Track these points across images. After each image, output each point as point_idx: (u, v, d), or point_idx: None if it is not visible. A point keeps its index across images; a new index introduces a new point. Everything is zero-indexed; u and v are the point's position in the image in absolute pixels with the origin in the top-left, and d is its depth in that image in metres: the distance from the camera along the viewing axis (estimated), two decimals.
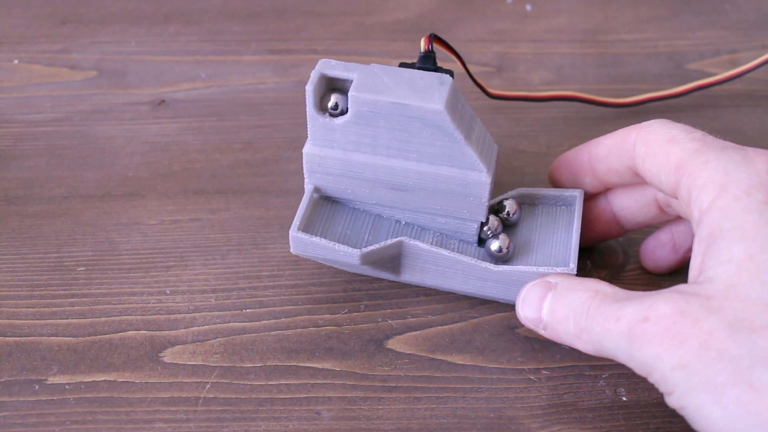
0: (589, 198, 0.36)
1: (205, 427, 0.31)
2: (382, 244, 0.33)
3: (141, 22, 0.51)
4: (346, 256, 0.33)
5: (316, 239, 0.33)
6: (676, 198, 0.30)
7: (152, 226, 0.39)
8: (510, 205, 0.35)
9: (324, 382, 0.33)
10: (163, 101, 0.45)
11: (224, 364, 0.33)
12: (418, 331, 0.34)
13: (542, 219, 0.35)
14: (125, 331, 0.34)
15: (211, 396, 0.32)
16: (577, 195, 0.35)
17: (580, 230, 0.34)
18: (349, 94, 0.31)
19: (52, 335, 0.34)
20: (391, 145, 0.32)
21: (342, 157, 0.33)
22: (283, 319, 0.35)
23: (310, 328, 0.35)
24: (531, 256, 0.34)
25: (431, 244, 0.34)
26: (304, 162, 0.34)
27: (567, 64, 0.48)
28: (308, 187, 0.34)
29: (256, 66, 0.48)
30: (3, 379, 0.32)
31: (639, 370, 0.27)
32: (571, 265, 0.32)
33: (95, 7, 0.52)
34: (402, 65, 0.35)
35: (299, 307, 0.35)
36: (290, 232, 0.33)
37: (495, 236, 0.34)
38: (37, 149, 0.42)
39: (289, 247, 0.33)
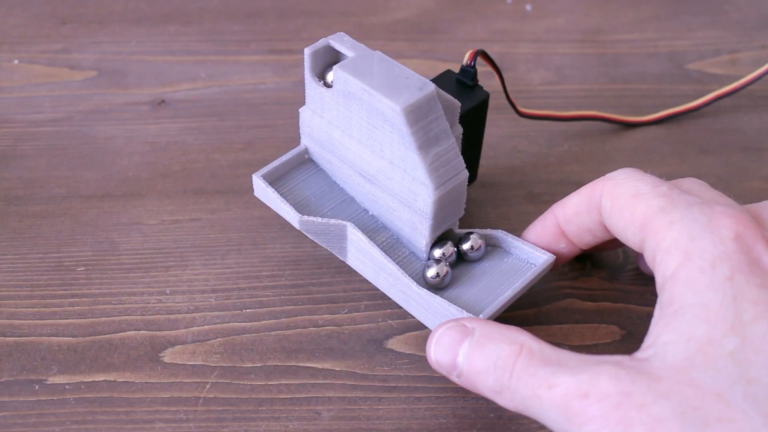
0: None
1: (205, 427, 0.31)
2: (325, 220, 0.33)
3: (141, 22, 0.51)
4: (288, 216, 0.34)
5: (269, 189, 0.34)
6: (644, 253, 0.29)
7: (152, 226, 0.39)
8: (474, 240, 0.33)
9: (324, 382, 0.33)
10: (163, 101, 0.45)
11: (224, 364, 0.33)
12: (418, 331, 0.34)
13: (505, 268, 0.34)
14: (125, 331, 0.34)
15: (211, 396, 0.32)
16: (545, 260, 0.33)
17: (518, 292, 0.32)
18: (334, 67, 0.32)
19: (52, 335, 0.34)
20: (362, 132, 0.32)
21: (326, 129, 0.34)
22: (283, 319, 0.35)
23: (310, 328, 0.35)
24: (463, 294, 0.33)
25: (382, 243, 0.34)
26: (299, 121, 0.35)
27: (567, 64, 0.49)
28: (302, 145, 0.36)
29: (256, 66, 0.48)
30: (3, 379, 0.32)
31: None
32: (480, 315, 0.31)
33: (95, 7, 0.52)
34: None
35: (299, 307, 0.35)
36: (253, 174, 0.34)
37: (437, 262, 0.33)
38: (37, 149, 0.42)
39: (287, 245, 0.33)
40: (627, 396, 0.24)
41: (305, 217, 0.33)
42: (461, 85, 0.36)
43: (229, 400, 0.32)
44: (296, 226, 0.34)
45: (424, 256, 0.34)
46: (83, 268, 0.37)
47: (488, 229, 0.34)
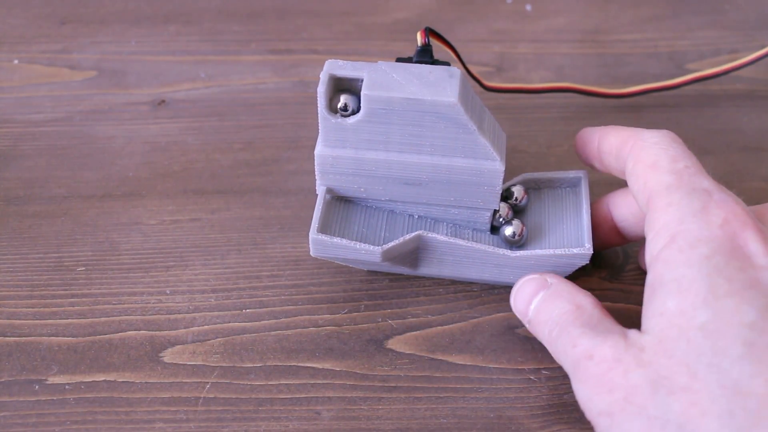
0: (591, 205, 0.35)
1: (205, 427, 0.31)
2: (402, 239, 0.33)
3: (141, 22, 0.51)
4: (368, 254, 0.33)
5: (336, 240, 0.33)
6: None
7: (152, 226, 0.39)
8: (518, 191, 0.36)
9: (324, 382, 0.33)
10: (163, 101, 0.45)
11: (224, 364, 0.33)
12: (418, 331, 0.34)
13: (549, 202, 0.36)
14: (125, 331, 0.34)
15: (211, 396, 0.32)
16: (582, 176, 0.35)
17: (590, 210, 0.34)
18: (362, 93, 0.31)
19: (52, 335, 0.34)
20: (404, 141, 0.32)
21: (355, 156, 0.33)
22: (283, 319, 0.35)
23: (310, 328, 0.35)
24: (544, 239, 0.35)
25: (447, 235, 0.34)
26: (316, 163, 0.34)
27: (567, 64, 0.49)
28: (321, 189, 0.34)
29: (256, 66, 0.48)
30: (3, 379, 0.32)
31: (579, 401, 0.28)
32: (586, 245, 0.33)
33: (95, 7, 0.52)
34: (399, 60, 0.35)
35: (299, 307, 0.35)
36: (310, 234, 0.33)
37: (508, 222, 0.34)
38: (37, 149, 0.42)
39: (287, 245, 0.33)
40: (618, 362, 0.27)
41: (386, 246, 0.33)
42: (431, 65, 0.35)
43: (229, 400, 0.32)
44: (378, 260, 0.33)
45: (487, 227, 0.35)
46: (83, 268, 0.37)
47: (514, 179, 0.36)
